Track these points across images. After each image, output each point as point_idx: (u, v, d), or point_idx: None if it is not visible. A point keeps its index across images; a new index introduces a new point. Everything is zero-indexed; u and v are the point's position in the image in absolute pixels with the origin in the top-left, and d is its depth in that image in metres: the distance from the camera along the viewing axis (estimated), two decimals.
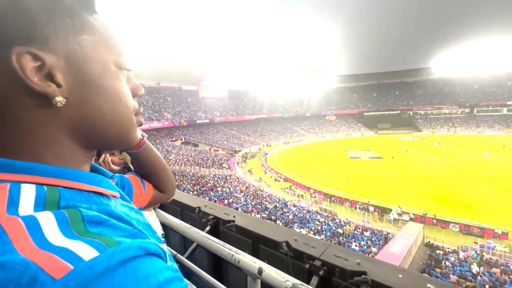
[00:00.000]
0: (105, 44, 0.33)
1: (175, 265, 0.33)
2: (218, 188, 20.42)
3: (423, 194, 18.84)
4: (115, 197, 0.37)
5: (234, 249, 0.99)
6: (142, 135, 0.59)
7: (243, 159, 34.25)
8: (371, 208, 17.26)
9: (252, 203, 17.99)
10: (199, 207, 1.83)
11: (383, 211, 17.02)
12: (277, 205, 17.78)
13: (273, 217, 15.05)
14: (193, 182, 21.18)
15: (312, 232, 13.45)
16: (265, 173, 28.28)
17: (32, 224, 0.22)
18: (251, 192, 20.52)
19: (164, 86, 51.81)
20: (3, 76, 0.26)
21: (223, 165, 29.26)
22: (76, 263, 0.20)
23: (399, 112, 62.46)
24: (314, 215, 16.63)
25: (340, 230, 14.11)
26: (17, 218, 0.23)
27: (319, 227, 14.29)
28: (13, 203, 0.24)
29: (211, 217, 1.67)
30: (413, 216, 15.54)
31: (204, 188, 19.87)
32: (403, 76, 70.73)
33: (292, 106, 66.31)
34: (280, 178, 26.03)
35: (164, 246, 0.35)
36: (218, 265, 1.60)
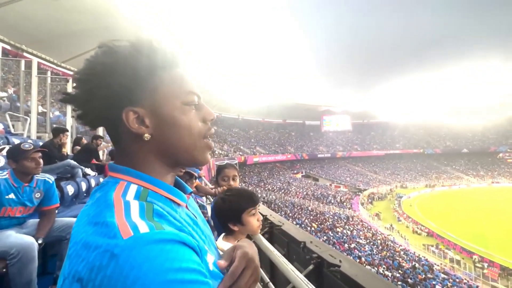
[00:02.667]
0: (173, 93, 0.46)
1: (216, 270, 0.42)
2: (337, 229, 18.69)
3: None
4: (182, 206, 0.48)
5: None
6: None
7: (369, 200, 30.01)
8: None
9: (380, 255, 14.97)
10: (304, 242, 1.75)
11: None
12: (417, 266, 13.81)
13: (410, 281, 11.73)
14: (311, 217, 20.56)
15: None
16: (398, 221, 23.25)
17: (127, 205, 0.37)
18: (379, 241, 17.26)
19: (289, 122, 56.52)
20: (119, 123, 0.44)
21: (345, 203, 26.82)
22: (135, 232, 0.32)
23: None
24: None
25: None
26: (122, 200, 0.39)
27: None
28: (125, 193, 0.40)
29: (315, 255, 1.54)
30: None
31: (322, 226, 18.78)
32: None
33: (438, 139, 52.92)
34: (422, 230, 20.43)
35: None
36: None
